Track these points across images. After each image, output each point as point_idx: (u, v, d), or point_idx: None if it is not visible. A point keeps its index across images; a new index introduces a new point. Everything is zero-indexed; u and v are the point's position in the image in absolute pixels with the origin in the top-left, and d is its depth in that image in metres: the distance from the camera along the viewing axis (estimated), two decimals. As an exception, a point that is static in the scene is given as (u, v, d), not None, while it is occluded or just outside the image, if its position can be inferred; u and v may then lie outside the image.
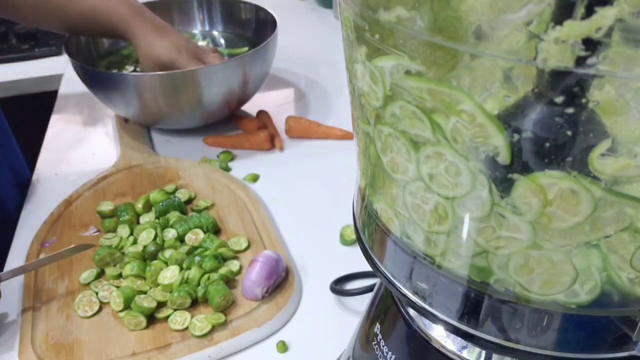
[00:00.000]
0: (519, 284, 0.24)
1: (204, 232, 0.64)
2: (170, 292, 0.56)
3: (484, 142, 0.21)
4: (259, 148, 0.83)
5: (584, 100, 0.19)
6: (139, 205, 0.68)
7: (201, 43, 0.99)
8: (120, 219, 0.67)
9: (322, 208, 0.71)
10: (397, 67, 0.23)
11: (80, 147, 0.86)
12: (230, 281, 0.58)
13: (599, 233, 0.22)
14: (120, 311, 0.55)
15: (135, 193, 0.72)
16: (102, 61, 0.93)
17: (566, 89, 0.19)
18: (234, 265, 0.60)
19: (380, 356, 0.37)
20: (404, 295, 0.30)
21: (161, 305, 0.56)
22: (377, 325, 0.38)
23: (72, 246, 0.59)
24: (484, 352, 0.31)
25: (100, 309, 0.56)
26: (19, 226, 0.70)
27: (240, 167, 0.79)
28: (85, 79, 0.80)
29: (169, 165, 0.78)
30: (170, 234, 0.64)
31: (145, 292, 0.57)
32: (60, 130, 0.91)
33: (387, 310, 0.37)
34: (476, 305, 0.26)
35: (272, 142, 0.83)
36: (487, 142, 0.21)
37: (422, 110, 0.23)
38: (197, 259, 0.59)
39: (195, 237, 0.63)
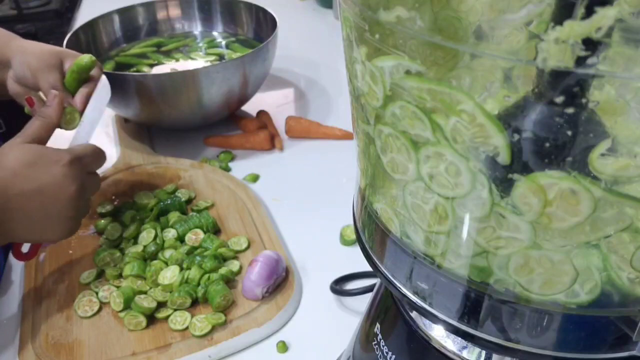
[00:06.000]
0: (519, 284, 0.24)
1: (204, 232, 0.64)
2: (170, 292, 0.56)
3: (484, 142, 0.21)
4: (259, 148, 0.83)
5: (584, 100, 0.19)
6: (139, 205, 0.68)
7: (201, 44, 0.99)
8: (121, 218, 0.67)
9: (322, 208, 0.71)
10: (397, 67, 0.23)
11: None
12: (230, 281, 0.58)
13: (599, 233, 0.21)
14: (120, 311, 0.55)
15: (135, 193, 0.72)
16: (105, 60, 0.93)
17: (566, 89, 0.19)
18: (234, 265, 0.60)
19: (380, 356, 0.37)
20: (404, 295, 0.30)
21: (161, 305, 0.56)
22: (377, 325, 0.38)
23: None
24: (484, 352, 0.31)
25: (100, 309, 0.56)
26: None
27: (240, 167, 0.79)
28: (85, 79, 0.80)
29: (169, 165, 0.78)
30: (170, 234, 0.64)
31: (145, 292, 0.57)
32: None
33: (387, 310, 0.37)
34: (476, 305, 0.26)
35: (272, 142, 0.83)
36: (487, 142, 0.21)
37: (422, 110, 0.23)
38: (197, 259, 0.59)
39: (195, 237, 0.63)
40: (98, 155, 0.59)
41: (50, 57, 0.63)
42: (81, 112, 0.62)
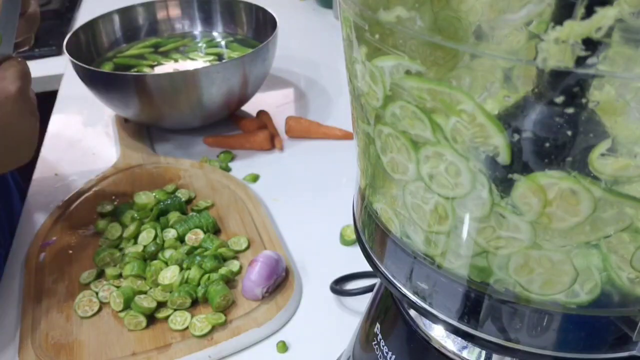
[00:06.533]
0: (519, 284, 0.24)
1: (204, 232, 0.64)
2: (170, 292, 0.56)
3: (484, 142, 0.21)
4: (259, 148, 0.83)
5: (584, 100, 0.19)
6: (139, 205, 0.68)
7: (200, 44, 0.99)
8: (121, 219, 0.67)
9: (322, 208, 0.71)
10: (397, 67, 0.23)
11: (80, 147, 0.86)
12: (230, 281, 0.58)
13: (599, 233, 0.21)
14: (120, 311, 0.55)
15: (135, 193, 0.72)
16: (103, 61, 0.93)
17: (566, 89, 0.19)
18: (234, 265, 0.60)
19: (380, 356, 0.37)
20: (404, 295, 0.30)
21: (161, 305, 0.56)
22: (377, 325, 0.38)
23: None
24: (484, 352, 0.31)
25: (100, 309, 0.56)
26: (19, 226, 0.70)
27: (240, 167, 0.79)
28: (85, 79, 0.80)
29: (169, 165, 0.78)
30: (170, 234, 0.64)
31: (145, 292, 0.57)
32: (60, 130, 0.91)
33: (387, 310, 0.37)
34: (476, 306, 0.26)
35: (272, 142, 0.83)
36: (487, 142, 0.21)
37: (422, 110, 0.23)
38: (197, 259, 0.59)
39: (195, 237, 0.63)
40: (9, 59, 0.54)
41: None
42: None
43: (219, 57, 0.94)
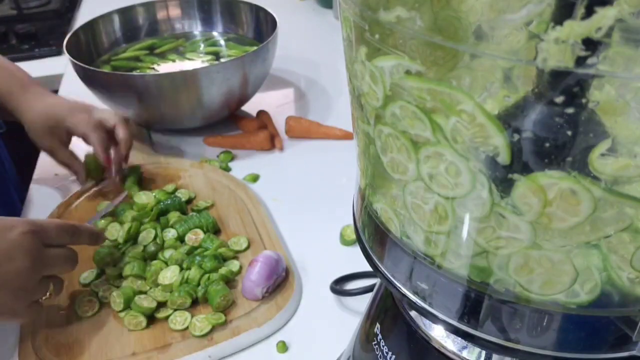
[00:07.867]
0: (519, 284, 0.24)
1: (204, 232, 0.64)
2: (170, 292, 0.56)
3: (484, 142, 0.21)
4: (259, 148, 0.83)
5: (584, 100, 0.19)
6: (139, 205, 0.68)
7: (200, 44, 0.99)
8: (121, 219, 0.67)
9: (322, 208, 0.71)
10: (397, 67, 0.23)
11: (80, 148, 0.86)
12: (230, 281, 0.58)
13: (599, 233, 0.21)
14: (120, 311, 0.55)
15: (135, 193, 0.72)
16: (103, 61, 0.93)
17: (566, 89, 0.19)
18: (234, 265, 0.60)
19: (380, 356, 0.37)
20: (404, 295, 0.30)
21: (161, 305, 0.56)
22: (377, 325, 0.38)
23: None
24: (484, 352, 0.31)
25: (100, 309, 0.56)
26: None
27: (240, 167, 0.79)
28: (85, 79, 0.80)
29: (169, 165, 0.78)
30: (170, 234, 0.64)
31: (145, 292, 0.57)
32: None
33: (387, 310, 0.37)
34: (476, 306, 0.26)
35: (272, 142, 0.83)
36: (487, 142, 0.21)
37: (422, 110, 0.23)
38: (197, 259, 0.59)
39: (195, 237, 0.63)
40: (65, 232, 0.52)
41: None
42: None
43: (217, 55, 0.94)
